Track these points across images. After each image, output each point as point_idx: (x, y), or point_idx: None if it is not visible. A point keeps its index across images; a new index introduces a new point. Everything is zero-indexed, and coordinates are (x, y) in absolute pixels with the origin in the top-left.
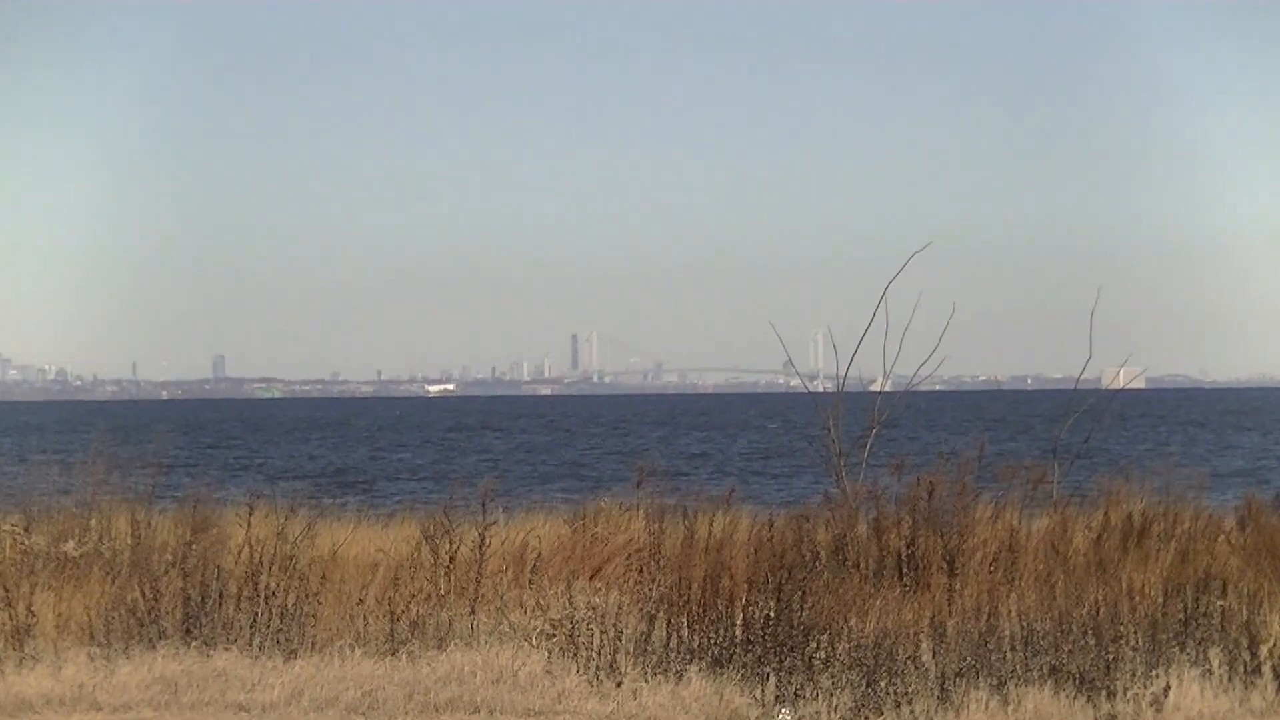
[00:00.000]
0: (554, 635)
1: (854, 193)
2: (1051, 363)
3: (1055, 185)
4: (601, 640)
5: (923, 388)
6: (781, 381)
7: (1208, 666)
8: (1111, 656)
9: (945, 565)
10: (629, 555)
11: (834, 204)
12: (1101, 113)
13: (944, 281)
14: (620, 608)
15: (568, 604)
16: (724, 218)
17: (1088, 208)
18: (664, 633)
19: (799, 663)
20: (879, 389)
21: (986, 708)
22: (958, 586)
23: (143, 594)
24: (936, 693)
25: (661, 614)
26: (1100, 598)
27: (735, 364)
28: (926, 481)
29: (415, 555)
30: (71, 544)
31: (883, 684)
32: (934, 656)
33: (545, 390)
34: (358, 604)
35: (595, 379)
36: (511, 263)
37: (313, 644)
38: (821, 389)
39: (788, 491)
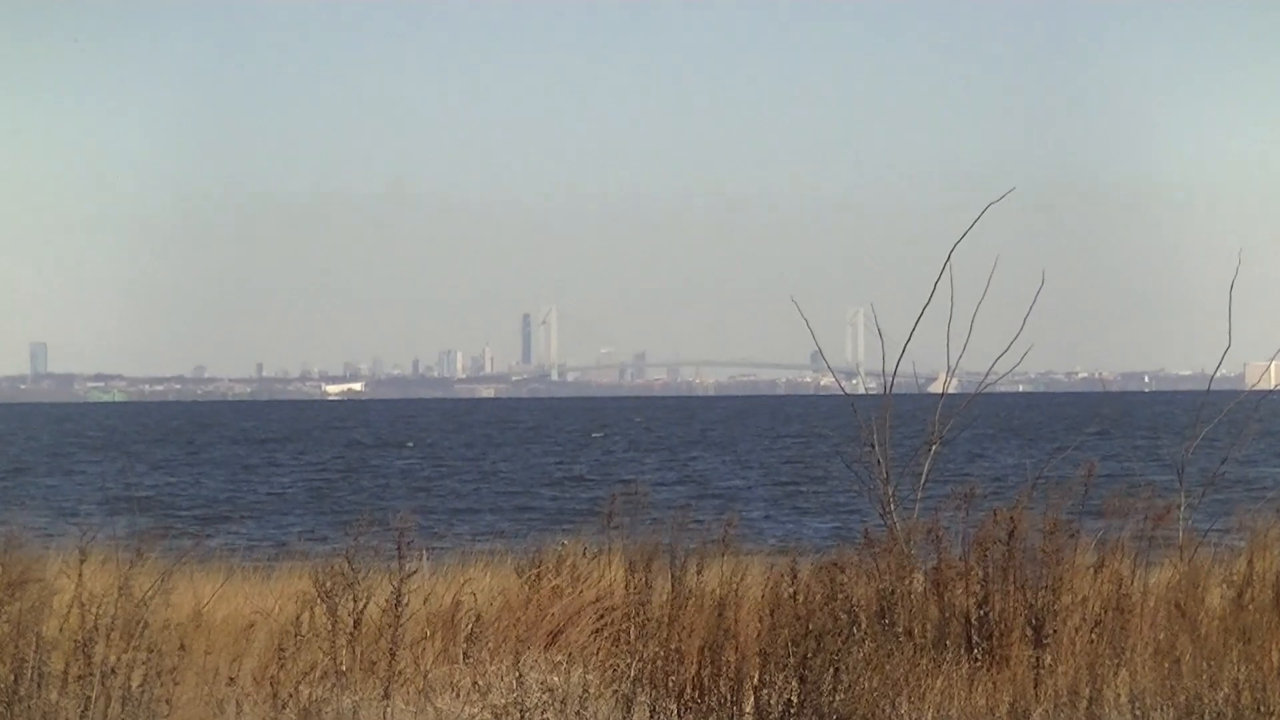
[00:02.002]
0: None
1: (899, 126)
2: (1177, 355)
3: (1175, 115)
4: None
5: (1000, 388)
6: (809, 380)
7: None
8: None
9: (1030, 632)
10: (599, 616)
11: (874, 141)
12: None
13: (1028, 244)
14: (586, 689)
15: (515, 684)
16: (727, 161)
17: (1229, 145)
18: None
19: None
20: (941, 390)
21: None
22: (1047, 661)
23: None
24: None
25: (643, 697)
26: (1242, 677)
27: (745, 356)
28: (1005, 517)
29: (307, 618)
30: None
31: None
32: None
33: (487, 390)
34: (228, 684)
35: (555, 375)
36: (439, 219)
37: None
38: (863, 390)
39: (816, 530)
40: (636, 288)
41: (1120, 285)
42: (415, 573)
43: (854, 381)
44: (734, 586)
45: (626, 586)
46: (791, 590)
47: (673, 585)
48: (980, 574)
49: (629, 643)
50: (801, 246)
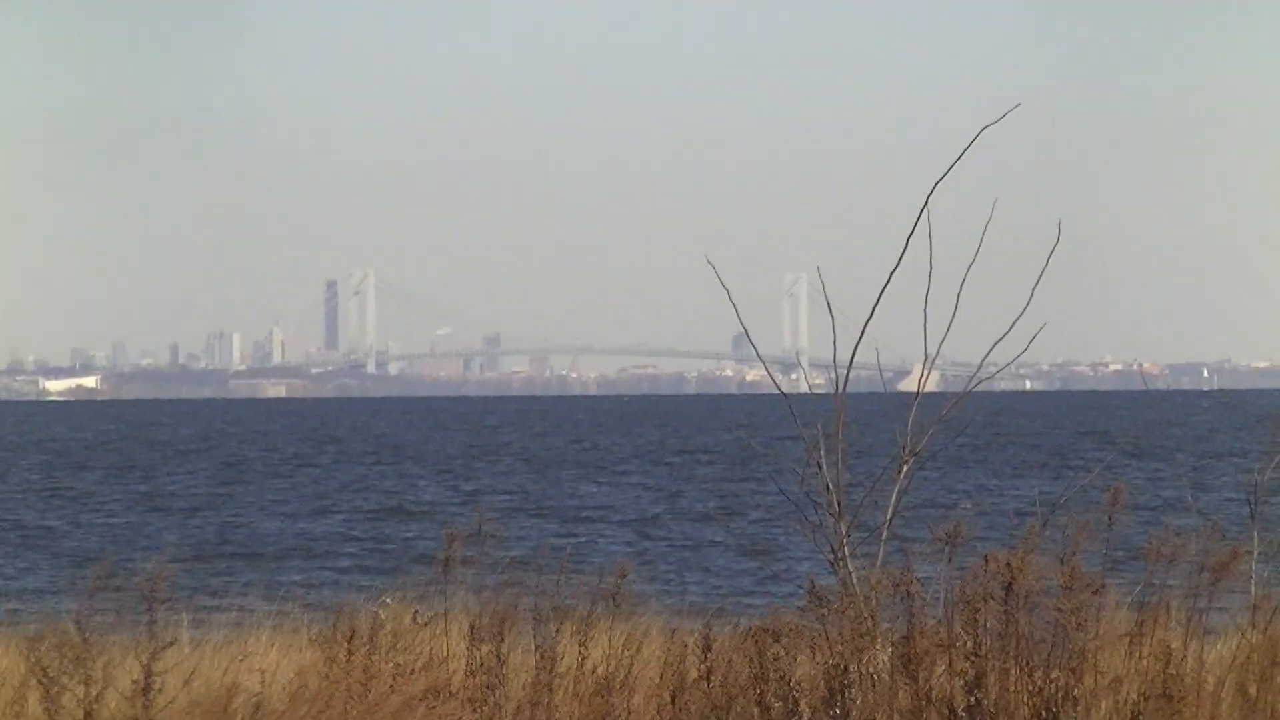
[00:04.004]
0: None
1: (860, 27)
2: (1249, 342)
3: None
4: None
5: (1000, 384)
6: (730, 373)
7: None
8: None
9: None
10: (433, 708)
11: (818, 46)
12: None
13: (1039, 187)
14: None
15: None
16: (613, 84)
17: None
18: None
19: None
20: (916, 388)
21: None
22: None
23: None
24: None
25: None
26: None
27: (640, 342)
28: (1003, 565)
29: (16, 710)
30: None
31: None
32: None
33: (275, 388)
34: None
35: (372, 366)
36: (211, 152)
37: None
38: (806, 387)
39: (739, 582)
40: (488, 248)
41: (1170, 245)
42: (173, 644)
43: (794, 376)
44: (624, 663)
45: (470, 665)
46: (704, 668)
47: (537, 662)
48: (970, 645)
49: None
50: (720, 195)
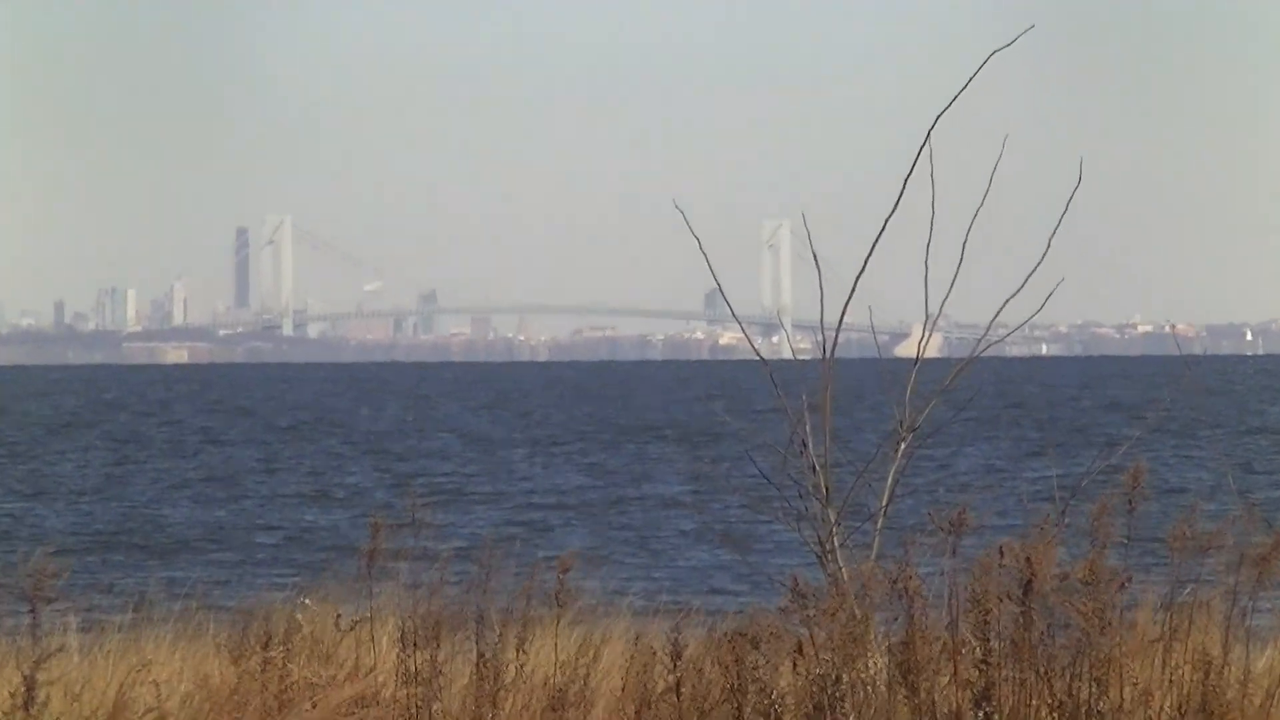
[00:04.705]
0: None
1: None
2: None
3: None
4: None
5: (1011, 349)
6: (701, 336)
7: None
8: None
9: None
10: None
11: None
12: None
13: (1058, 119)
14: None
15: None
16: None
17: None
18: None
19: None
20: (916, 353)
21: None
22: None
23: None
24: None
25: None
26: None
27: (599, 300)
28: (1018, 558)
29: None
30: None
31: None
32: None
33: (176, 352)
34: None
35: (289, 328)
36: (102, 88)
37: None
38: (789, 352)
39: (711, 577)
40: (423, 193)
41: (1208, 189)
42: (60, 651)
43: (775, 339)
44: (580, 672)
45: (402, 675)
46: (673, 678)
47: (478, 671)
48: (979, 652)
49: None
50: (688, 130)
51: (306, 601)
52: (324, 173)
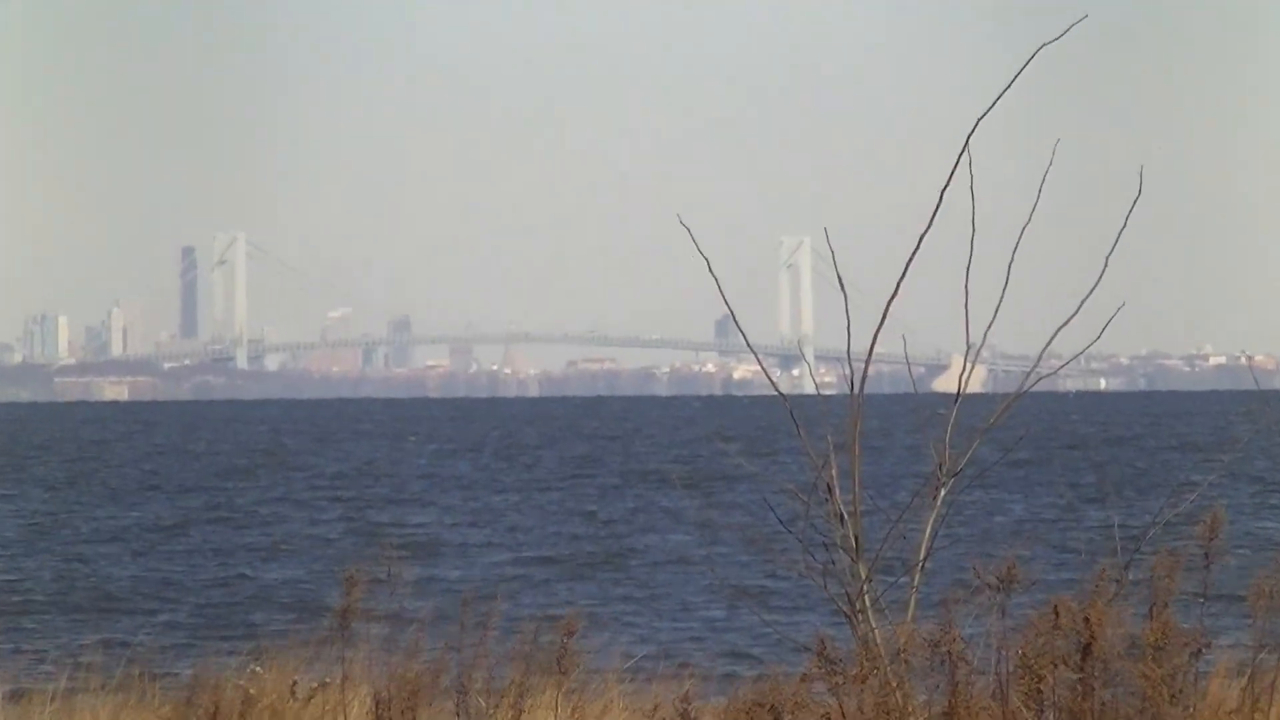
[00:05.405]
0: None
1: None
2: None
3: None
4: None
5: (1065, 383)
6: (712, 369)
7: None
8: None
9: None
10: None
11: None
12: None
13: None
14: None
15: None
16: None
17: None
18: None
19: None
20: (959, 384)
21: None
22: None
23: None
24: None
25: None
26: None
27: (594, 329)
28: (1076, 618)
29: None
30: None
31: None
32: None
33: (114, 388)
34: None
35: (244, 360)
36: (30, 88)
37: None
38: (812, 387)
39: (726, 638)
40: (395, 208)
41: None
42: None
43: (795, 372)
44: None
45: None
46: None
47: None
48: None
49: None
50: (697, 139)
51: (258, 669)
52: (282, 184)
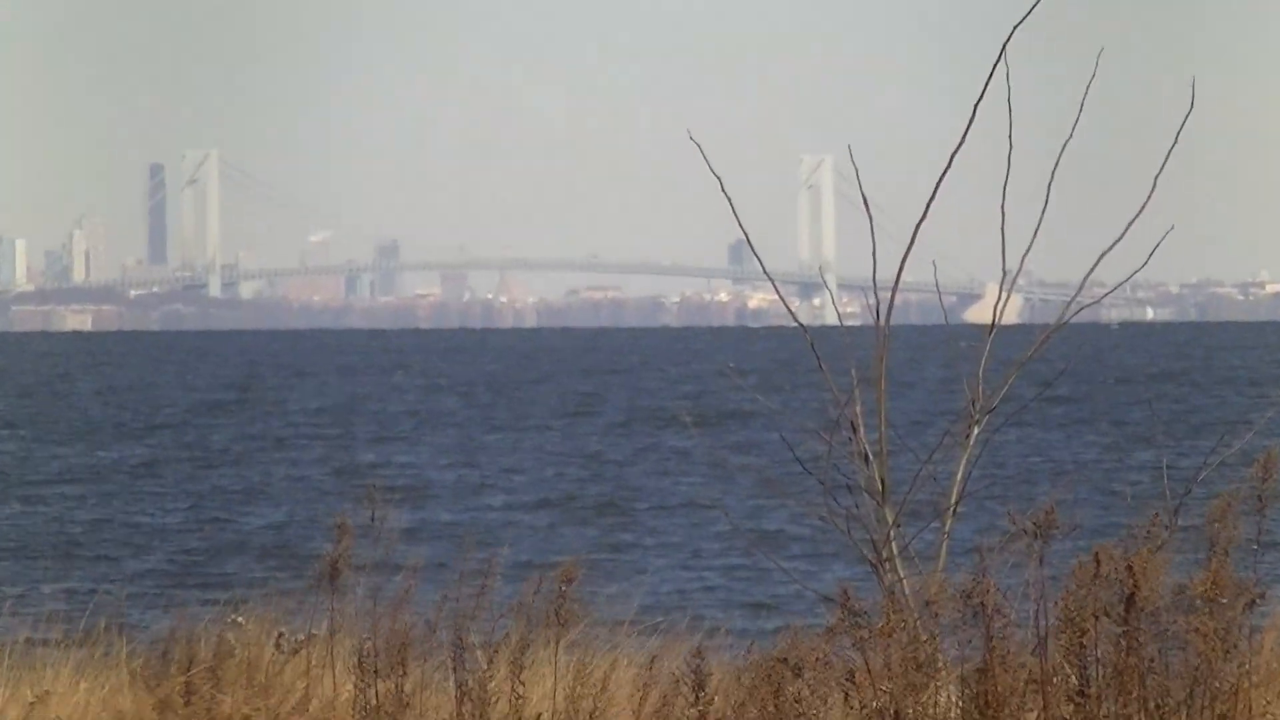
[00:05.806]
0: None
1: None
2: None
3: None
4: None
5: (1108, 313)
6: (725, 297)
7: None
8: None
9: None
10: None
11: None
12: None
13: (1162, 27)
14: None
15: None
16: None
17: None
18: None
19: None
20: (993, 314)
21: None
22: None
23: None
24: None
25: None
26: None
27: (597, 254)
28: (1119, 568)
29: None
30: None
31: None
32: None
33: (78, 318)
34: None
35: (217, 288)
36: None
37: None
38: (835, 318)
39: (746, 591)
40: (382, 124)
41: None
42: None
43: (816, 301)
44: (584, 706)
45: (358, 708)
46: (697, 712)
47: (458, 705)
48: (1074, 682)
49: None
50: (709, 49)
51: (239, 619)
52: (258, 96)
